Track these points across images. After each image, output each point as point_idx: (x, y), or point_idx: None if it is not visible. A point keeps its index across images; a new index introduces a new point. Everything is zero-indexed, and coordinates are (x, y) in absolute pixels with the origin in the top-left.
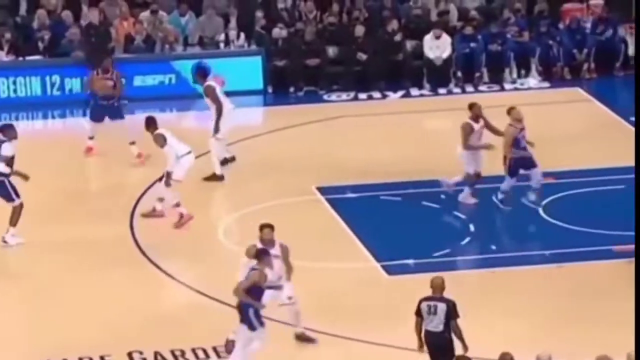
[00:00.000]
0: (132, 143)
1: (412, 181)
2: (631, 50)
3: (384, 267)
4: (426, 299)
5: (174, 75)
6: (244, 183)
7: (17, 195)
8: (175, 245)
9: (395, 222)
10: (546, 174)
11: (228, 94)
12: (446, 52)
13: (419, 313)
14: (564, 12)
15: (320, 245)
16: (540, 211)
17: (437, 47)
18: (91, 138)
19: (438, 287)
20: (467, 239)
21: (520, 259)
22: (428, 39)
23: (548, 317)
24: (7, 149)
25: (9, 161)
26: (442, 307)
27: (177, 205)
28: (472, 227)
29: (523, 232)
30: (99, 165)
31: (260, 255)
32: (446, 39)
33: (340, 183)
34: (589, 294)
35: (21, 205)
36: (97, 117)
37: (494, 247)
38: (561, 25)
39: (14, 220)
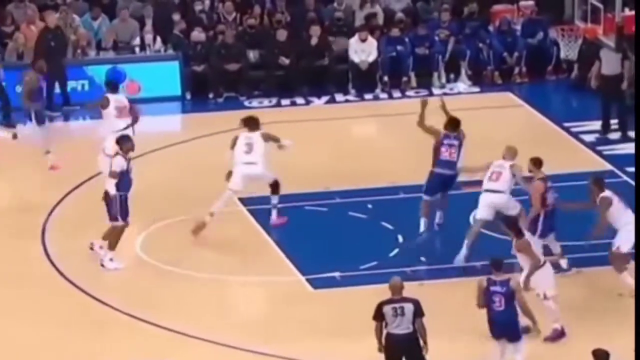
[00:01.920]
0: (47, 152)
1: (338, 191)
2: (563, 53)
3: (309, 280)
4: (388, 302)
5: (87, 81)
6: (163, 193)
7: (125, 216)
8: (92, 260)
9: (321, 233)
10: (476, 182)
11: (144, 100)
12: (372, 56)
13: (378, 317)
14: (494, 13)
15: (243, 258)
16: (471, 220)
17: (363, 51)
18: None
19: (398, 289)
20: (395, 251)
21: (449, 271)
22: (353, 42)
23: (476, 330)
24: (118, 163)
25: (120, 177)
26: (409, 307)
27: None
28: (400, 239)
29: (453, 243)
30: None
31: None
32: (372, 42)
33: (263, 193)
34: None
35: (123, 227)
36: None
37: (423, 259)
38: (491, 28)
39: (112, 243)
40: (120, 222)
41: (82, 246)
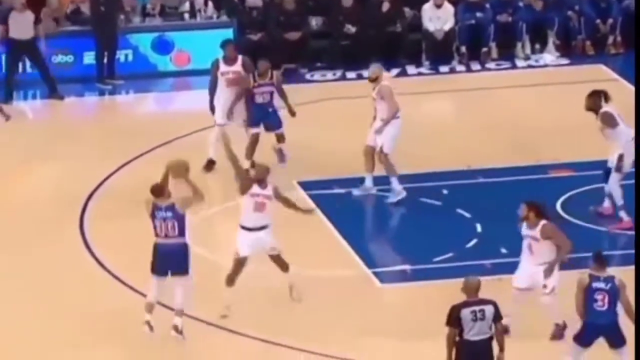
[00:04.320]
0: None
1: (409, 174)
2: None
3: (375, 274)
4: (465, 304)
5: (130, 51)
6: (217, 176)
7: None
8: (141, 257)
9: (390, 221)
10: (564, 166)
11: (194, 72)
12: (448, 24)
13: (454, 323)
14: None
15: (302, 249)
16: (558, 208)
17: (438, 18)
18: None
19: (475, 289)
20: (474, 241)
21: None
22: (427, 8)
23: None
24: None
25: None
26: (489, 309)
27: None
28: (479, 228)
29: None
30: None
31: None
32: (448, 8)
33: (326, 177)
34: None
35: None
36: None
37: (504, 251)
38: None
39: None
40: None
41: (125, 240)
